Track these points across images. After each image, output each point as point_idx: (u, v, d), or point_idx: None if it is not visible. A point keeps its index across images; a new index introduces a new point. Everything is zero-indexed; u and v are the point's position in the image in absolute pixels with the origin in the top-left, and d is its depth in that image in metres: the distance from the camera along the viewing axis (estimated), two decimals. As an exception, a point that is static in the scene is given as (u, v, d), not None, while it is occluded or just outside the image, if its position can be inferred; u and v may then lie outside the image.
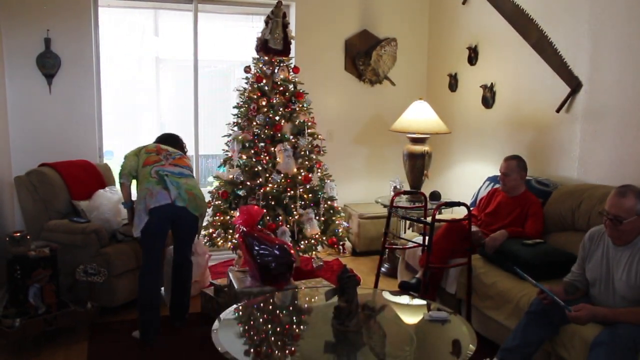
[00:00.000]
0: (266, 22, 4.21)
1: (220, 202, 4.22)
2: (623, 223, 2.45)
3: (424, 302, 3.00)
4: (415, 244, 3.80)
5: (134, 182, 3.45)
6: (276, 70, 4.25)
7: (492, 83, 4.50)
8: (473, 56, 4.72)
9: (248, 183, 4.11)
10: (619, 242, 2.54)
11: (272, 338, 2.52)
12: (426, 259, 3.39)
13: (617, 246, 2.55)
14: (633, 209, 2.43)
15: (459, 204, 3.56)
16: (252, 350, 2.46)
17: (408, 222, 4.83)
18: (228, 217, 4.14)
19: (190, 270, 3.54)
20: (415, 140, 4.62)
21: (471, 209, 3.64)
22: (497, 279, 3.22)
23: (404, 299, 3.14)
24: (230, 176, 4.18)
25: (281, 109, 4.17)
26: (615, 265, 2.54)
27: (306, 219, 4.04)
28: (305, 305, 3.16)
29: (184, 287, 3.51)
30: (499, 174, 3.70)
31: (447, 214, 4.53)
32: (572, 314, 2.46)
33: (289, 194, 4.08)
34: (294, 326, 2.80)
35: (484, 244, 3.43)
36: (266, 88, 4.21)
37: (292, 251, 3.38)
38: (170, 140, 3.68)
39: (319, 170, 4.27)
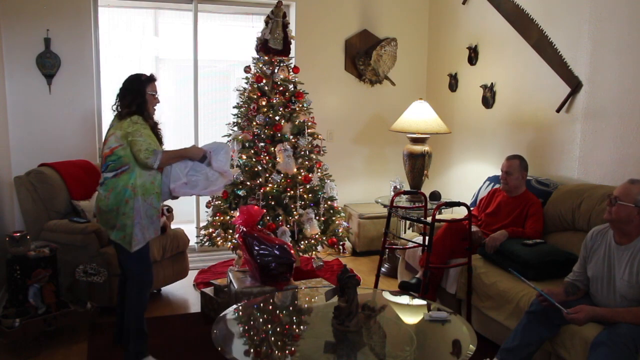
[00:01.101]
0: (266, 22, 4.20)
1: (220, 202, 4.22)
2: (616, 204, 2.48)
3: (424, 302, 3.00)
4: (415, 244, 3.80)
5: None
6: (276, 70, 4.25)
7: (492, 83, 4.50)
8: (473, 56, 4.71)
9: (248, 183, 4.11)
10: (613, 228, 2.56)
11: (272, 338, 2.52)
12: (426, 259, 3.39)
13: (619, 245, 2.56)
14: (634, 196, 2.46)
15: (459, 204, 3.56)
16: (252, 350, 2.46)
17: (408, 222, 4.83)
18: (228, 217, 4.14)
19: (129, 287, 2.96)
20: (415, 140, 4.62)
21: (471, 209, 3.64)
22: (497, 279, 3.22)
23: (404, 299, 3.14)
24: (230, 176, 4.17)
25: (281, 109, 4.17)
26: (616, 263, 2.55)
27: (306, 219, 4.04)
28: (305, 305, 3.16)
29: (124, 307, 3.04)
30: (499, 173, 3.70)
31: (447, 214, 4.53)
32: (570, 315, 2.46)
33: (289, 194, 4.08)
34: (294, 326, 2.80)
35: (484, 244, 3.43)
36: (266, 88, 4.21)
37: (292, 251, 3.38)
38: (120, 97, 2.95)
39: (319, 170, 4.27)
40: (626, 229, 2.51)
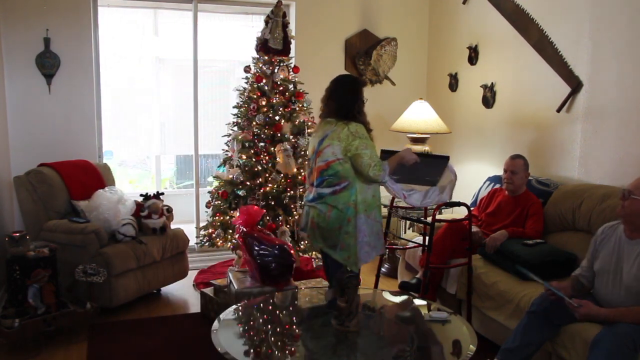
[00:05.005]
0: (266, 22, 4.20)
1: (220, 202, 4.21)
2: (630, 198, 2.47)
3: (424, 302, 3.00)
4: (416, 244, 3.80)
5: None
6: (276, 70, 4.25)
7: (492, 83, 4.49)
8: (473, 56, 4.71)
9: (248, 183, 4.10)
10: (625, 223, 2.55)
11: (272, 338, 2.52)
12: (426, 259, 3.39)
13: (630, 239, 2.55)
14: None
15: (459, 204, 3.56)
16: (252, 350, 2.45)
17: (408, 222, 4.82)
18: (228, 217, 4.14)
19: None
20: (416, 140, 4.62)
21: (471, 209, 3.64)
22: (498, 279, 3.22)
23: (404, 299, 3.13)
24: (230, 176, 4.17)
25: (281, 109, 4.16)
26: (625, 257, 2.54)
27: (306, 219, 4.04)
28: (305, 305, 3.16)
29: None
30: (499, 174, 3.69)
31: (448, 214, 4.52)
32: (573, 305, 2.47)
33: (289, 194, 4.08)
34: (294, 326, 2.79)
35: (484, 244, 3.43)
36: (266, 88, 4.20)
37: (292, 251, 3.38)
38: (342, 100, 2.81)
39: (319, 170, 4.26)
40: (638, 223, 2.51)
